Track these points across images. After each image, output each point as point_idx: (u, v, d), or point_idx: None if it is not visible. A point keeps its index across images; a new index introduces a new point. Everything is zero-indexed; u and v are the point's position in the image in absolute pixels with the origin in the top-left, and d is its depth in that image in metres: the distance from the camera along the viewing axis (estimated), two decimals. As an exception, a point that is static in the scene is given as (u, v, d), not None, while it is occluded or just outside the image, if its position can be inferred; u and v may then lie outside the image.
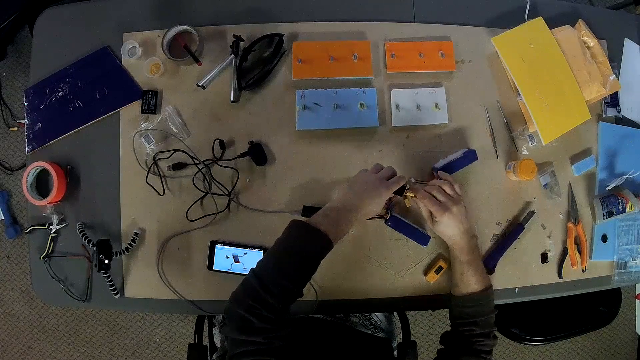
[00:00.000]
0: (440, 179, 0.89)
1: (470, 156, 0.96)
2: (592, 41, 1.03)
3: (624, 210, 0.98)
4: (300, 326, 0.96)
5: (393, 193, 0.84)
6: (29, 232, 1.00)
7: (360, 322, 1.07)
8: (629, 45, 1.11)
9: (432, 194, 0.86)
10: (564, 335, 1.31)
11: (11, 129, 1.94)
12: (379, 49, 1.01)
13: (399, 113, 0.99)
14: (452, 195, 0.86)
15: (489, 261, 0.96)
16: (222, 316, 1.09)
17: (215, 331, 1.16)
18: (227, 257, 0.95)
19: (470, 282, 0.85)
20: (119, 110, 1.00)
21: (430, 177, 0.96)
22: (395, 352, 1.10)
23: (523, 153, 1.01)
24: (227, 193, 0.96)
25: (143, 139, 0.98)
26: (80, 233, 0.94)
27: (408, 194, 0.89)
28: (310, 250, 0.71)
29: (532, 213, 0.98)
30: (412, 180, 0.93)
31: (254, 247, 0.95)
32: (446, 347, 0.86)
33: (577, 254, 1.00)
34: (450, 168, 0.94)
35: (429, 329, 1.89)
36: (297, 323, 0.97)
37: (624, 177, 1.01)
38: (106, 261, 0.89)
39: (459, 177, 0.96)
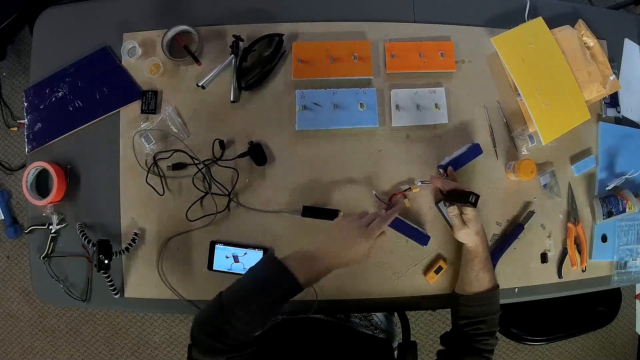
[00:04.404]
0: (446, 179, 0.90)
1: (475, 150, 0.96)
2: (592, 41, 1.03)
3: (624, 210, 0.98)
4: (300, 326, 0.96)
5: (456, 202, 0.83)
6: (29, 232, 1.00)
7: (361, 322, 1.07)
8: (629, 45, 1.11)
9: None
10: (564, 335, 1.31)
11: (11, 129, 1.94)
12: (379, 49, 1.01)
13: (399, 113, 0.99)
14: None
15: (489, 261, 0.96)
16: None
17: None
18: (227, 257, 0.95)
19: (484, 279, 0.85)
20: (119, 110, 1.00)
21: (437, 175, 0.96)
22: (396, 353, 1.10)
23: (523, 153, 1.01)
24: (227, 193, 0.96)
25: (143, 139, 0.98)
26: (80, 233, 0.94)
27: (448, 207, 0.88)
28: (279, 292, 0.70)
29: (532, 213, 0.98)
30: (419, 183, 0.93)
31: (254, 247, 0.95)
32: (447, 348, 0.86)
33: (577, 254, 1.00)
34: (456, 164, 0.94)
35: (429, 329, 1.89)
36: (296, 323, 0.97)
37: (624, 177, 1.01)
38: (106, 261, 0.89)
39: (465, 173, 0.97)
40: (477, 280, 0.86)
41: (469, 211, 0.85)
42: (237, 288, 0.71)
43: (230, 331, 0.66)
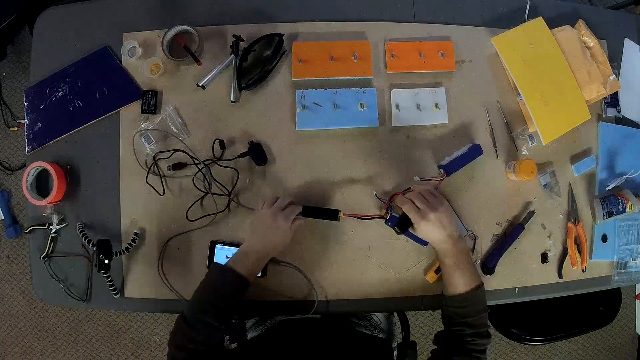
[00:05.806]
0: (425, 187, 0.89)
1: (476, 151, 0.96)
2: (592, 41, 1.03)
3: (624, 210, 0.98)
4: (299, 327, 0.96)
5: (397, 228, 0.88)
6: (29, 232, 1.00)
7: (360, 322, 1.07)
8: (629, 45, 1.11)
9: (412, 200, 0.85)
10: (564, 335, 1.31)
11: (11, 129, 1.94)
12: (379, 49, 1.01)
13: (399, 113, 0.99)
14: (431, 202, 0.85)
15: (489, 261, 0.96)
16: None
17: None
18: (227, 257, 0.94)
19: (457, 284, 0.83)
20: (119, 110, 1.00)
21: (437, 175, 0.95)
22: (395, 353, 1.10)
23: (523, 153, 1.01)
24: (227, 193, 0.96)
25: (143, 139, 0.98)
26: (80, 233, 0.94)
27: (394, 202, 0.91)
28: (227, 289, 0.79)
29: (532, 213, 0.98)
30: (417, 179, 0.93)
31: (254, 247, 0.94)
32: (439, 347, 0.86)
33: (577, 254, 1.00)
34: (456, 164, 0.94)
35: (429, 329, 1.89)
36: (296, 324, 0.97)
37: (624, 177, 1.01)
38: (106, 261, 0.89)
39: (465, 173, 0.97)
40: (450, 284, 0.85)
41: (415, 221, 0.84)
42: (193, 299, 0.80)
43: (197, 336, 0.74)
